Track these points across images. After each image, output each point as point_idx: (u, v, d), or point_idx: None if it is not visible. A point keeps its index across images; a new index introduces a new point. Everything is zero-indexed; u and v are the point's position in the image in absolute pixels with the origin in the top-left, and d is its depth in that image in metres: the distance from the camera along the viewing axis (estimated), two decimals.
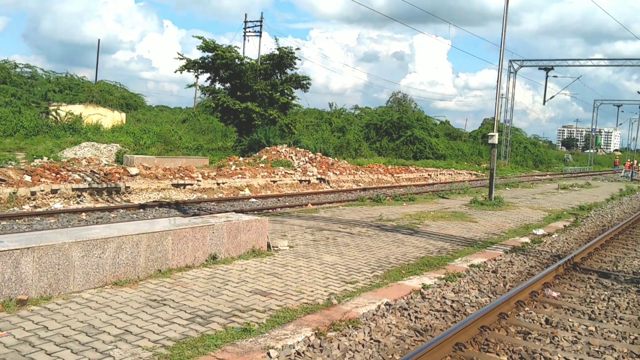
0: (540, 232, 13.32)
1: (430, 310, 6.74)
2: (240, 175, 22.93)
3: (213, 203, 17.46)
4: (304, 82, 39.12)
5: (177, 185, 19.91)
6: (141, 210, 15.19)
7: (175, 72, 41.94)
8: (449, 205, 18.13)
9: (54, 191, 16.12)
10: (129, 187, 18.15)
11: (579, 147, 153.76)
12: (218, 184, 21.50)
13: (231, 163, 30.02)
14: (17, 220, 12.37)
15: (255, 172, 23.98)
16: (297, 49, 39.28)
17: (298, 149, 35.81)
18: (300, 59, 43.19)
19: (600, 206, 20.83)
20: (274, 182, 24.28)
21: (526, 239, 12.24)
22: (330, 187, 26.89)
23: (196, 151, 35.51)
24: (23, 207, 14.96)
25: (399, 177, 32.98)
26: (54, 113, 38.00)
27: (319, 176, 26.92)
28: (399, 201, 18.76)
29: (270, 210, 16.34)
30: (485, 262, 9.59)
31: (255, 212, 15.60)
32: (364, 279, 7.84)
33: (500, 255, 10.30)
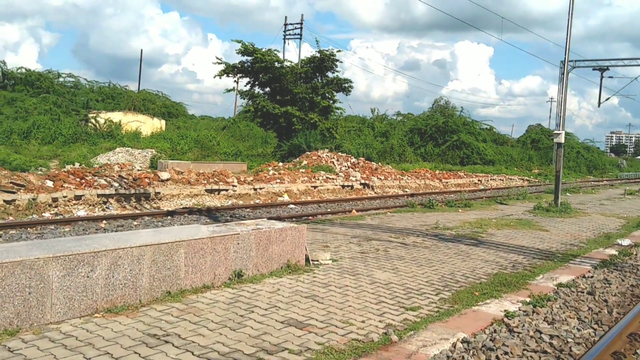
0: (625, 242, 11.30)
1: (524, 350, 4.96)
2: (278, 180, 21.44)
3: (248, 209, 15.99)
4: (346, 84, 37.55)
5: (211, 191, 18.54)
6: (169, 217, 13.81)
7: (214, 77, 41.08)
8: (510, 212, 16.16)
9: (77, 197, 14.93)
10: (159, 192, 16.86)
11: (628, 153, 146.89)
12: (255, 189, 20.05)
13: (270, 168, 28.62)
14: (28, 229, 11.11)
15: (295, 177, 22.46)
16: (339, 51, 37.73)
17: (340, 153, 34.18)
18: (341, 62, 41.60)
19: None
20: (315, 187, 22.69)
21: (612, 251, 10.27)
22: (375, 192, 25.14)
23: (234, 157, 34.33)
24: (43, 214, 13.77)
25: (447, 182, 30.95)
26: (93, 120, 37.49)
27: (362, 181, 25.22)
28: (453, 207, 16.90)
29: (309, 217, 14.73)
30: (574, 280, 7.73)
31: (293, 220, 14.02)
32: (428, 303, 6.12)
33: (590, 271, 8.40)
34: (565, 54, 16.79)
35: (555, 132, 16.83)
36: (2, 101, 40.19)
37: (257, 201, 19.31)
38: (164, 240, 5.84)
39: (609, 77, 51.36)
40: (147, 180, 17.14)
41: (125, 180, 16.87)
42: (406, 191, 26.80)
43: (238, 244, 6.61)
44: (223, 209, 15.64)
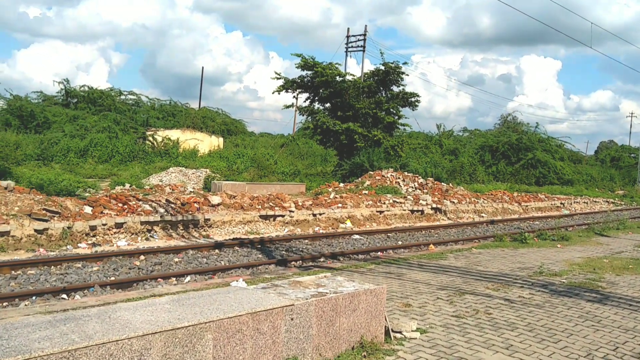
0: None
1: None
2: (340, 205, 19.40)
3: (307, 241, 14.00)
4: (412, 99, 35.28)
5: (265, 217, 16.72)
6: (216, 250, 11.99)
7: (273, 93, 39.81)
8: (618, 247, 13.48)
9: (118, 225, 13.39)
10: (208, 219, 15.15)
11: None
12: (314, 214, 18.09)
13: (330, 190, 26.67)
14: (51, 267, 9.50)
15: (358, 201, 20.37)
16: (405, 63, 35.63)
17: (406, 173, 31.87)
18: (407, 74, 39.37)
19: None
20: (380, 212, 20.52)
21: None
22: (448, 218, 22.70)
23: (292, 176, 32.64)
24: (79, 244, 12.27)
25: (527, 206, 28.05)
26: (150, 138, 36.84)
27: (433, 205, 22.84)
28: (548, 240, 14.35)
29: (379, 254, 12.58)
30: None
31: (360, 258, 11.91)
32: None
33: None
34: None
35: None
36: (64, 119, 40.26)
37: (317, 228, 17.34)
38: (182, 323, 3.88)
39: None
40: (196, 205, 15.49)
41: (172, 205, 15.27)
42: (482, 216, 24.20)
43: (292, 319, 4.58)
44: (278, 240, 13.71)
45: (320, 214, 18.36)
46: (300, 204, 18.47)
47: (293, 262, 10.96)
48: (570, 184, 46.13)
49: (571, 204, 32.44)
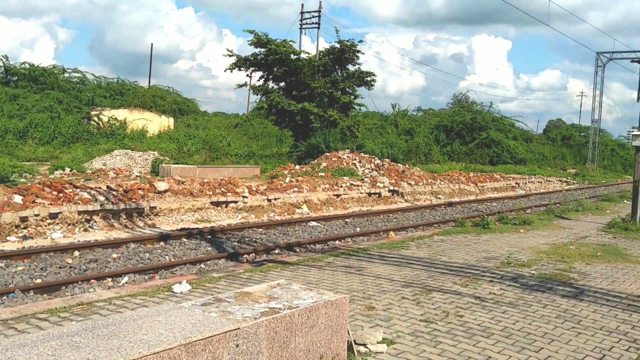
0: None
1: None
2: (296, 189, 18.59)
3: (261, 230, 13.15)
4: (368, 78, 34.57)
5: (217, 204, 15.77)
6: (161, 243, 11.02)
7: (225, 70, 38.50)
8: (582, 232, 13.17)
9: (53, 215, 12.22)
10: (154, 207, 14.11)
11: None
12: (269, 200, 17.24)
13: (286, 172, 25.83)
14: None
15: (315, 185, 19.60)
16: (360, 41, 34.80)
17: (362, 154, 31.28)
18: (363, 53, 38.61)
19: None
20: (337, 196, 19.82)
21: None
22: (405, 200, 22.21)
23: (247, 159, 31.60)
24: (7, 238, 11.10)
25: (483, 186, 27.90)
26: (95, 118, 35.01)
27: (391, 188, 22.29)
28: (510, 224, 13.92)
29: (338, 243, 11.87)
30: None
31: (317, 248, 11.16)
32: None
33: None
34: None
35: (634, 133, 13.78)
36: (3, 98, 37.83)
37: (272, 214, 16.51)
38: None
39: None
40: (140, 192, 14.40)
41: (114, 192, 14.14)
42: (440, 198, 23.84)
43: (237, 346, 3.76)
44: (230, 229, 12.82)
45: (275, 199, 17.51)
46: (254, 189, 17.57)
47: (246, 256, 10.12)
48: (523, 163, 46.63)
49: (526, 183, 32.58)
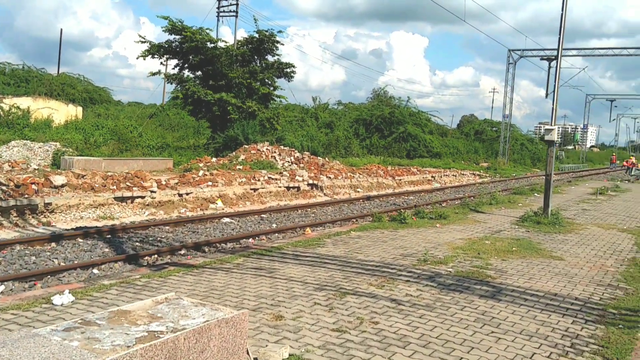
0: None
1: None
2: (210, 183, 17.71)
3: (168, 227, 12.27)
4: (288, 69, 33.91)
5: (122, 199, 14.66)
6: (52, 244, 9.94)
7: (137, 58, 36.71)
8: (496, 226, 13.21)
9: None
10: (49, 203, 12.86)
11: (556, 143, 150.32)
12: (180, 195, 16.29)
13: (201, 165, 24.81)
14: None
15: (231, 178, 18.78)
16: (280, 32, 34.07)
17: (282, 147, 30.70)
18: (283, 44, 37.93)
19: None
20: (255, 190, 19.12)
21: None
22: (325, 194, 21.83)
23: (160, 150, 30.13)
24: None
25: (400, 180, 28.04)
26: None
27: (310, 181, 21.83)
28: (426, 218, 13.77)
29: (251, 241, 11.21)
30: None
31: (228, 248, 10.45)
32: None
33: None
34: (560, 40, 13.89)
35: (547, 127, 13.98)
36: None
37: (183, 210, 15.59)
38: None
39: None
40: (34, 186, 13.08)
41: (3, 187, 12.76)
42: (359, 191, 23.66)
43: None
44: (134, 227, 11.85)
45: (187, 194, 16.58)
46: (164, 182, 16.55)
47: (147, 258, 9.26)
48: (439, 157, 47.61)
49: (441, 177, 33.14)
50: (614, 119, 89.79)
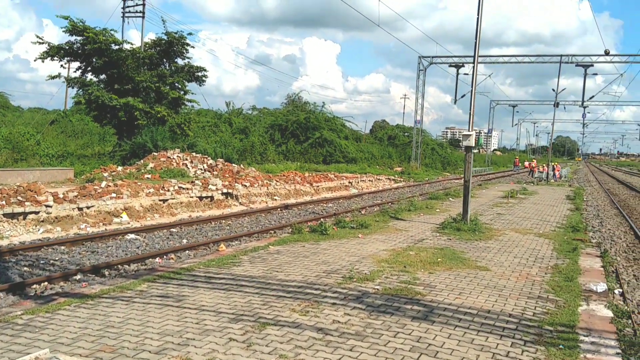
0: (600, 288, 8.36)
1: None
2: (114, 194, 16.34)
3: (63, 247, 10.96)
4: (199, 73, 32.67)
5: (12, 215, 13.10)
6: None
7: (35, 60, 34.12)
8: (418, 234, 12.88)
9: None
10: None
11: (461, 147, 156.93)
12: (80, 209, 14.85)
13: (106, 175, 23.18)
14: None
15: (137, 189, 17.46)
16: (190, 34, 32.68)
17: (194, 154, 29.42)
18: (193, 46, 36.58)
19: (587, 221, 16.67)
20: (164, 201, 17.90)
21: (602, 309, 7.24)
22: (240, 203, 20.89)
23: (61, 159, 27.97)
24: None
25: (318, 186, 27.55)
26: None
27: (224, 190, 20.81)
28: (347, 228, 13.24)
29: (158, 260, 10.16)
30: None
31: (131, 270, 9.36)
32: None
33: None
34: (475, 48, 13.83)
35: (464, 133, 13.86)
36: None
37: (84, 225, 14.18)
38: None
39: (465, 73, 51.99)
40: None
41: None
42: (276, 199, 22.90)
43: None
44: (24, 249, 10.46)
45: (88, 207, 15.16)
46: (61, 195, 15.03)
47: (35, 286, 8.04)
48: (355, 162, 47.79)
49: (358, 182, 33.02)
50: (516, 124, 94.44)
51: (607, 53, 30.06)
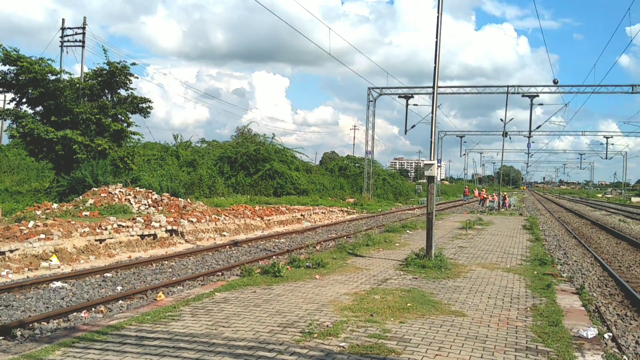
0: (590, 333, 7.45)
1: None
2: (44, 235, 14.67)
3: None
4: (143, 104, 31.18)
5: None
6: None
7: None
8: (380, 272, 11.84)
9: None
10: None
11: (410, 177, 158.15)
12: (2, 253, 13.15)
13: (39, 213, 21.32)
14: None
15: (70, 228, 15.82)
16: (133, 63, 31.23)
17: (138, 189, 27.80)
18: (137, 77, 35.08)
19: (550, 253, 16.03)
20: (101, 241, 16.30)
21: (596, 359, 6.30)
22: (186, 241, 19.43)
23: None
24: None
25: (269, 220, 26.29)
26: None
27: (168, 227, 19.32)
28: (302, 267, 12.07)
29: (84, 315, 8.71)
30: None
31: (49, 330, 7.89)
32: None
33: None
34: (435, 79, 13.15)
35: (426, 162, 13.02)
36: None
37: (5, 272, 12.50)
38: None
39: (414, 104, 52.13)
40: None
41: None
42: (224, 235, 21.52)
43: None
44: None
45: (11, 251, 13.48)
46: None
47: None
48: (306, 194, 46.76)
49: (311, 215, 31.92)
50: (464, 154, 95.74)
51: (555, 83, 30.47)
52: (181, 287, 10.92)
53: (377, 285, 10.32)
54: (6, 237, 13.91)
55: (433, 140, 13.06)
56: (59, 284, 10.92)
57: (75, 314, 8.63)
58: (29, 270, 13.11)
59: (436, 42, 12.81)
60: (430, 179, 13.03)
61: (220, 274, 12.77)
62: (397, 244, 17.33)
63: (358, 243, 16.74)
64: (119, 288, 10.90)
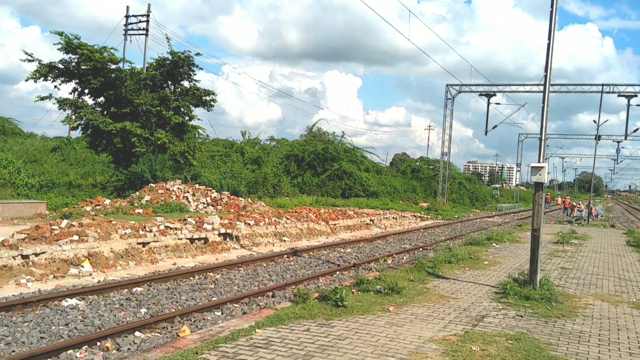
0: None
1: None
2: (77, 236, 12.92)
3: None
4: (207, 97, 29.57)
5: None
6: None
7: (26, 80, 31.43)
8: (471, 304, 9.18)
9: None
10: None
11: (484, 182, 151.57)
12: (25, 256, 11.44)
13: (88, 209, 19.93)
14: None
15: (109, 230, 14.04)
16: (198, 54, 29.70)
17: (197, 186, 26.14)
18: (201, 68, 33.64)
19: None
20: (145, 244, 14.45)
21: None
22: (241, 246, 17.37)
23: (45, 190, 24.83)
24: None
25: (335, 224, 23.93)
26: None
27: (222, 230, 17.32)
28: (372, 292, 9.60)
29: (79, 356, 6.59)
30: None
31: None
32: None
33: None
34: (547, 77, 10.34)
35: (534, 165, 10.23)
36: None
37: (25, 280, 10.75)
38: None
39: (497, 103, 48.34)
40: None
41: None
42: (285, 240, 19.36)
43: None
44: None
45: (37, 254, 11.75)
46: (1, 239, 11.66)
47: None
48: (376, 196, 44.16)
49: (381, 220, 29.33)
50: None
51: None
52: (213, 317, 8.65)
53: (471, 327, 7.70)
54: (33, 238, 12.22)
55: (542, 138, 10.25)
56: (73, 301, 8.94)
57: (70, 351, 6.53)
58: (54, 277, 11.35)
59: (549, 34, 10.03)
60: (539, 185, 10.21)
61: (270, 293, 10.48)
62: (486, 262, 14.51)
63: (438, 259, 14.03)
64: (143, 311, 8.78)
